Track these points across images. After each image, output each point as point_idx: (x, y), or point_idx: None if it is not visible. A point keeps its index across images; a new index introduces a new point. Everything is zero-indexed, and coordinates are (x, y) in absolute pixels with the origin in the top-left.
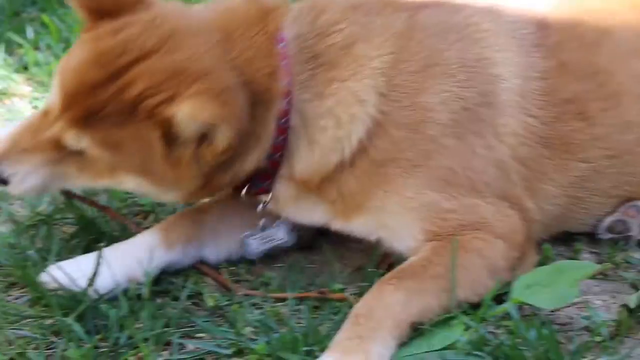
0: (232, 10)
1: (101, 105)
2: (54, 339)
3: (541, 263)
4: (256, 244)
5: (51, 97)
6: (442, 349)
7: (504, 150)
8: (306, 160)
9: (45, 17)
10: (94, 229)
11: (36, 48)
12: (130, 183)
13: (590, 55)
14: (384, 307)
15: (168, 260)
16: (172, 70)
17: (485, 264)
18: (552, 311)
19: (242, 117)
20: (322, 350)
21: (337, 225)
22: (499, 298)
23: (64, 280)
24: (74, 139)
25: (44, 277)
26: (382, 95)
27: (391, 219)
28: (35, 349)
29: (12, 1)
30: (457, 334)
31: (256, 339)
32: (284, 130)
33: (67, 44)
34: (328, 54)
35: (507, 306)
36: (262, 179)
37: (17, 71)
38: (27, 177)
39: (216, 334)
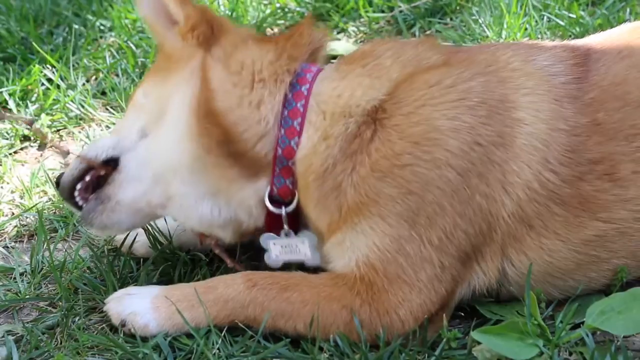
0: None
1: None
2: None
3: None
4: (277, 252)
5: None
6: None
7: (505, 205)
8: (312, 140)
9: (122, 43)
10: (170, 254)
11: (114, 73)
12: None
13: (632, 118)
14: (220, 297)
15: None
16: None
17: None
18: (627, 337)
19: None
20: None
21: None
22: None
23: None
24: None
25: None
26: (385, 94)
27: (355, 238)
28: None
29: (90, 28)
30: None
31: None
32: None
33: (143, 69)
34: (353, 55)
35: (581, 332)
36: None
37: (94, 97)
38: None
39: None
